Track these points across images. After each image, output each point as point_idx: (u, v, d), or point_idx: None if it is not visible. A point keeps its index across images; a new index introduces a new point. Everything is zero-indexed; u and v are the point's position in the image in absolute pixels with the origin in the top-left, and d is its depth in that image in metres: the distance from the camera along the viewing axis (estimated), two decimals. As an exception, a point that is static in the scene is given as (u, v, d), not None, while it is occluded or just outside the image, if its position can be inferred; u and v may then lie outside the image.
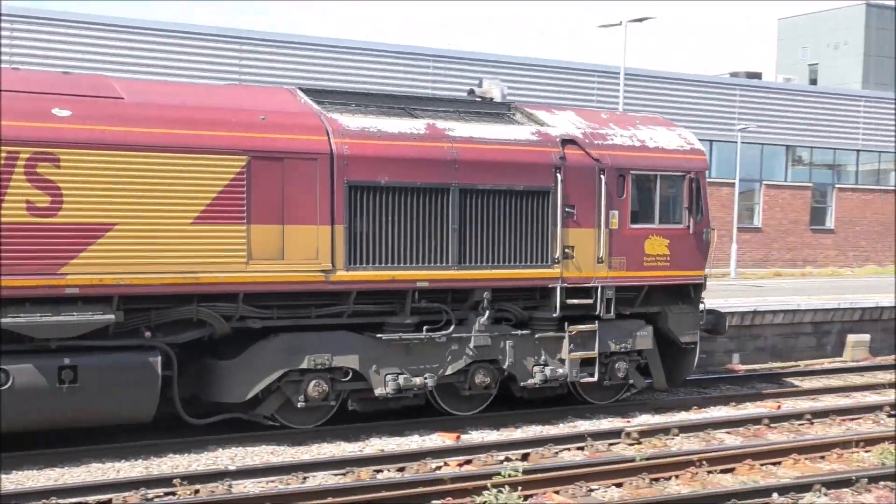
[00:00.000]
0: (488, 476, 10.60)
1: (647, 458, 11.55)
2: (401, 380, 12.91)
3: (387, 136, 12.78)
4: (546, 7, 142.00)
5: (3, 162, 10.57)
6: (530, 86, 34.94)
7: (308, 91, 13.42)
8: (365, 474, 11.16)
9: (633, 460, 11.48)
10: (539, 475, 10.70)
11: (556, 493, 10.45)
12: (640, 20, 33.44)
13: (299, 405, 12.54)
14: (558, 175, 13.72)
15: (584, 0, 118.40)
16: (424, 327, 13.12)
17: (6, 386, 10.71)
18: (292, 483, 10.78)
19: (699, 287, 15.27)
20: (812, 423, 14.47)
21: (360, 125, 12.71)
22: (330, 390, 12.70)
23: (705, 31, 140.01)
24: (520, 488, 10.22)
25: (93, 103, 11.38)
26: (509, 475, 10.57)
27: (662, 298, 15.03)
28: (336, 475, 11.16)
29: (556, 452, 12.47)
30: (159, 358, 11.56)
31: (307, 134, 12.28)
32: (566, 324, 14.02)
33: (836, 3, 57.78)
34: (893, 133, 42.50)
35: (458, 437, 13.05)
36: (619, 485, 10.87)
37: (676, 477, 11.21)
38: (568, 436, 13.06)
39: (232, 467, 11.22)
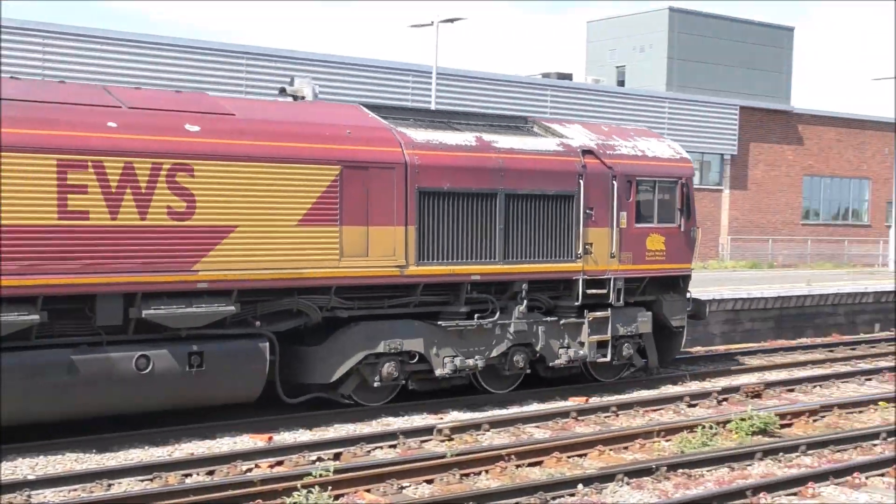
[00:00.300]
0: (299, 477, 10.57)
1: (458, 454, 11.75)
2: (457, 361, 14.89)
3: (447, 147, 14.82)
4: (359, 8, 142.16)
5: (149, 172, 12.10)
6: (344, 84, 34.97)
7: (371, 107, 15.39)
8: (173, 479, 10.94)
9: (443, 456, 11.66)
10: (350, 474, 10.74)
11: (368, 491, 10.52)
12: (452, 20, 33.92)
13: (375, 385, 14.34)
14: (580, 181, 15.95)
15: (398, 0, 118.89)
16: (476, 315, 15.06)
17: (147, 370, 12.20)
18: (96, 491, 10.47)
19: (687, 278, 17.80)
20: (617, 415, 15.04)
21: (424, 138, 14.71)
22: (400, 371, 14.47)
23: (518, 33, 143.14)
24: (330, 488, 10.23)
25: (214, 119, 12.99)
26: (320, 475, 10.56)
27: (657, 288, 17.35)
28: (143, 481, 10.90)
29: (369, 451, 12.54)
30: (267, 344, 13.24)
31: (386, 146, 14.15)
32: (585, 311, 16.16)
33: (642, 6, 60.14)
34: (697, 133, 44.56)
35: (269, 439, 12.96)
36: (430, 481, 11.02)
37: (486, 472, 11.45)
38: (381, 434, 13.16)
39: (31, 476, 10.82)
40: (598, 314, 16.32)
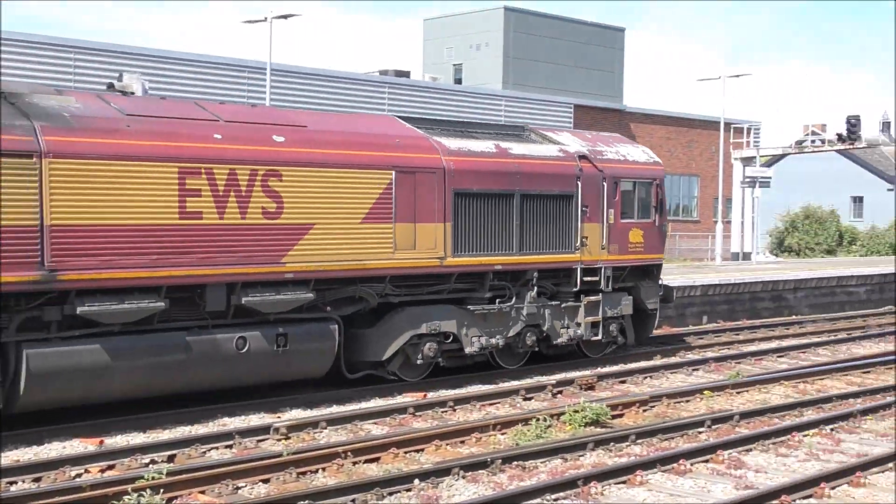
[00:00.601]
0: (131, 480, 10.35)
1: (295, 453, 11.70)
2: (483, 340, 17.33)
3: (474, 153, 17.21)
4: (193, 6, 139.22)
5: (248, 178, 14.10)
6: (177, 81, 34.28)
7: (405, 118, 17.82)
8: (-5, 488, 10.55)
9: (280, 455, 11.59)
10: (183, 476, 10.57)
11: (202, 492, 10.37)
12: (286, 17, 33.64)
13: (417, 362, 16.70)
14: (578, 183, 18.56)
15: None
16: (497, 300, 17.59)
17: (244, 349, 14.22)
18: (-90, 503, 10.00)
19: (660, 267, 20.73)
20: (455, 410, 15.22)
21: (456, 146, 17.09)
22: (437, 350, 16.77)
23: (357, 31, 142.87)
24: (162, 490, 10.05)
25: (292, 131, 15.09)
26: (153, 478, 10.36)
27: (636, 276, 20.03)
28: (-38, 491, 10.47)
29: (204, 452, 12.36)
30: (336, 327, 15.39)
31: (428, 153, 16.52)
32: (581, 296, 18.75)
33: (478, 5, 60.78)
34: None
35: (101, 442, 12.63)
36: (266, 480, 10.95)
37: (323, 469, 11.44)
38: (216, 434, 12.99)
39: None
40: (592, 298, 18.96)
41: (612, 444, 12.96)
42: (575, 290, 18.72)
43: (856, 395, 16.59)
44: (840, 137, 48.68)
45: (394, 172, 15.83)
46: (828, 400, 16.05)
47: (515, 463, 11.71)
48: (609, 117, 49.50)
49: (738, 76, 47.05)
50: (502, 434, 13.48)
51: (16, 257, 12.22)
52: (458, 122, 20.49)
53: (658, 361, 20.14)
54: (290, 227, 14.65)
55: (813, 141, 48.96)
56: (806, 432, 13.77)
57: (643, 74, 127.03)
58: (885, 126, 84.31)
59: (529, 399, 16.32)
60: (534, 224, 17.91)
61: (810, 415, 15.13)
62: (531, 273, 18.04)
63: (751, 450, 12.90)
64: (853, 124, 49.23)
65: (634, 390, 17.40)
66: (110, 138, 13.06)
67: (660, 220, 20.15)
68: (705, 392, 16.70)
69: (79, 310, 12.82)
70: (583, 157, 18.94)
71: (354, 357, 16.20)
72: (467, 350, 17.28)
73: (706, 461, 12.27)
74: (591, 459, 12.35)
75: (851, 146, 48.69)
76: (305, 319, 15.14)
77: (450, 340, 17.07)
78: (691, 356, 21.09)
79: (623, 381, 18.14)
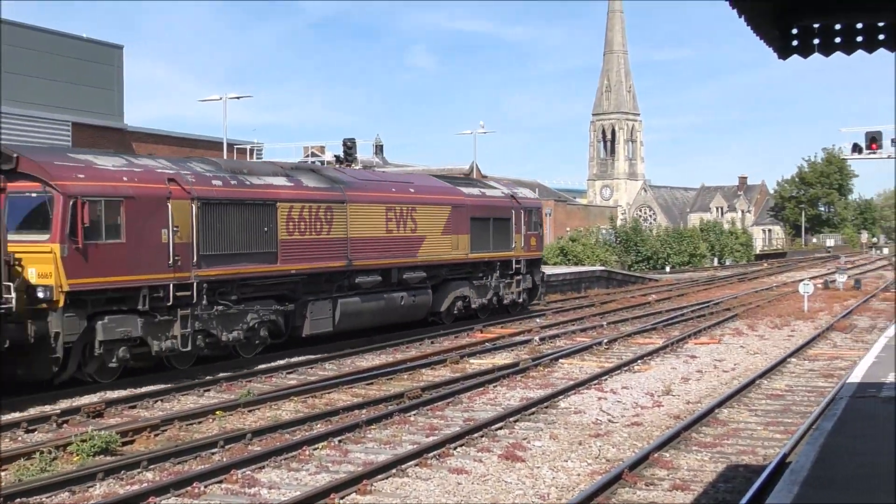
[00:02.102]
0: None
1: None
2: (482, 300, 31.07)
3: (474, 196, 31.03)
4: None
5: (406, 210, 27.21)
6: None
7: (439, 176, 32.96)
8: None
9: None
10: None
11: None
12: None
13: (454, 312, 30.42)
14: (513, 211, 32.47)
15: None
16: (481, 277, 31.48)
17: (402, 302, 27.37)
18: None
19: (541, 259, 36.00)
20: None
21: (467, 192, 30.83)
22: (462, 306, 30.60)
23: None
24: None
25: (412, 186, 28.62)
26: None
27: (530, 264, 33.89)
28: None
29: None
30: (430, 291, 28.78)
31: (460, 196, 30.09)
32: (514, 276, 32.74)
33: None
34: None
35: None
36: None
37: None
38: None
39: None
40: (518, 277, 33.07)
41: (123, 472, 12.60)
42: (510, 272, 32.66)
43: (361, 406, 17.47)
44: (338, 159, 51.15)
45: (450, 207, 29.45)
46: (335, 413, 16.75)
47: (19, 500, 10.98)
48: (109, 136, 48.10)
49: (238, 97, 47.84)
50: (3, 471, 12.58)
51: (337, 254, 24.77)
52: (466, 178, 37.93)
53: (169, 385, 19.86)
54: (418, 237, 27.95)
55: (313, 162, 50.91)
56: (316, 445, 14.28)
57: (149, 93, 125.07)
58: (379, 149, 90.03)
59: (32, 431, 15.40)
60: (496, 235, 31.68)
61: (319, 428, 15.72)
62: (496, 262, 31.82)
63: (264, 467, 13.13)
64: (349, 146, 51.90)
65: (145, 415, 17.03)
66: (362, 191, 26.10)
67: (539, 232, 34.60)
68: (217, 412, 16.74)
69: (356, 280, 25.50)
70: (512, 196, 33.29)
71: (431, 309, 29.36)
72: (474, 305, 31.10)
73: (220, 482, 12.31)
74: (102, 490, 11.92)
75: (348, 167, 51.34)
76: (417, 287, 28.20)
77: (466, 300, 30.75)
78: (207, 377, 20.99)
79: (133, 407, 17.69)
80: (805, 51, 6.78)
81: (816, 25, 6.76)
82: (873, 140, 49.07)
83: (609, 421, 16.43)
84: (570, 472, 13.14)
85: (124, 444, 14.34)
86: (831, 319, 32.08)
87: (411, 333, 28.03)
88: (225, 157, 47.88)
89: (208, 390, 19.66)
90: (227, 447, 14.19)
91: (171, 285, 20.04)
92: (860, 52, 6.80)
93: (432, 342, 27.39)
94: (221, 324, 21.59)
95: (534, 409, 17.10)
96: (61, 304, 18.06)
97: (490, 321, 31.16)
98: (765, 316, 34.24)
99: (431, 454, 13.72)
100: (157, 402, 18.25)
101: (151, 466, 12.92)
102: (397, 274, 26.99)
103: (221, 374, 21.23)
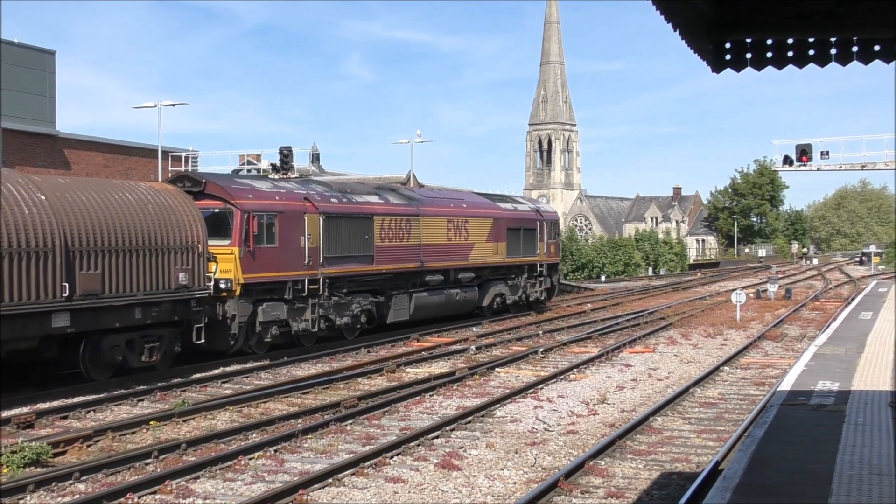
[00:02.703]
0: None
1: None
2: (515, 297, 37.85)
3: (508, 210, 37.64)
4: None
5: (460, 222, 33.86)
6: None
7: (480, 194, 39.21)
8: None
9: None
10: None
11: None
12: None
13: (494, 307, 36.78)
14: (538, 223, 39.02)
15: None
16: (514, 278, 38.08)
17: (458, 297, 33.98)
18: None
19: (558, 263, 43.09)
20: None
21: (503, 207, 37.74)
22: (501, 302, 37.30)
23: None
24: None
25: (464, 202, 35.67)
26: None
27: (550, 268, 40.42)
28: None
29: None
30: (477, 289, 35.55)
31: (497, 210, 36.62)
32: (538, 277, 39.42)
33: None
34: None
35: None
36: None
37: None
38: None
39: None
40: (541, 279, 39.41)
41: (54, 483, 12.41)
42: (535, 274, 39.29)
43: (297, 415, 17.40)
44: (274, 167, 50.85)
45: (492, 219, 35.73)
46: (271, 422, 16.67)
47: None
48: (41, 142, 47.36)
49: (174, 105, 47.39)
50: (-71, 485, 12.31)
51: (413, 258, 30.71)
52: (498, 194, 41.12)
53: (101, 395, 19.60)
54: (469, 244, 34.14)
55: (249, 170, 50.59)
56: (252, 455, 14.20)
57: (82, 100, 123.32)
58: (315, 158, 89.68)
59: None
60: (525, 243, 38.21)
61: (255, 438, 15.63)
62: (525, 266, 38.39)
63: (199, 477, 13.03)
64: (286, 155, 51.62)
65: (78, 425, 16.79)
66: (431, 206, 32.51)
67: (556, 240, 42.00)
68: (151, 422, 16.57)
69: (426, 278, 31.60)
70: (537, 210, 40.32)
71: (476, 304, 35.64)
72: (508, 301, 37.51)
73: (154, 493, 12.19)
74: (33, 501, 11.72)
75: (285, 176, 51.05)
76: (468, 285, 34.55)
77: (503, 297, 37.14)
78: (143, 387, 20.75)
79: (65, 417, 17.44)
80: (738, 65, 6.93)
81: (749, 40, 6.91)
82: (803, 152, 50.19)
83: (545, 429, 16.54)
84: (506, 480, 13.20)
85: (56, 455, 14.13)
86: (763, 328, 32.60)
87: (369, 339, 28.04)
88: (160, 164, 47.36)
89: (142, 400, 19.45)
90: (161, 457, 14.05)
91: (306, 280, 26.22)
92: (791, 67, 6.97)
93: (368, 351, 27.35)
94: (336, 311, 27.77)
95: (470, 418, 17.15)
96: (237, 293, 24.14)
97: (516, 314, 37.98)
98: (698, 325, 34.70)
99: (368, 463, 13.71)
100: (89, 412, 18.02)
101: (84, 478, 12.75)
102: (454, 274, 33.80)
103: (159, 384, 20.99)
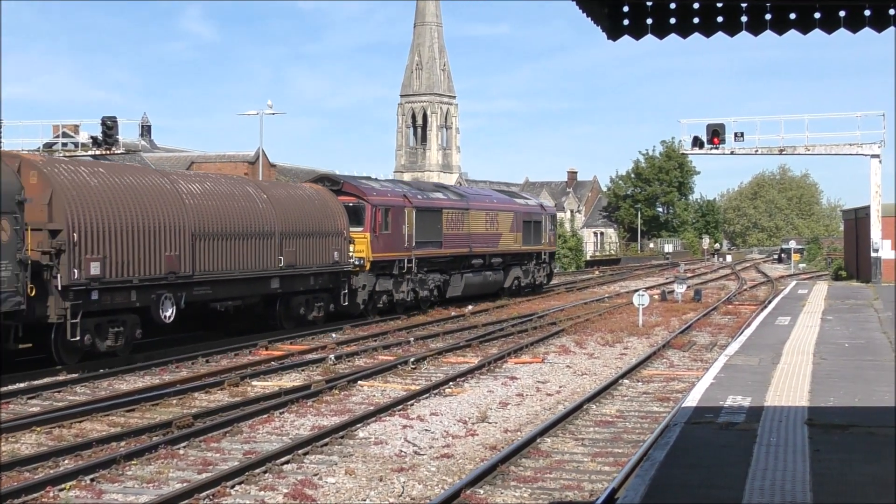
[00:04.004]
0: None
1: None
2: (529, 279, 54.46)
3: (520, 205, 54.32)
4: None
5: (491, 215, 49.70)
6: None
7: (499, 190, 60.32)
8: None
9: None
10: None
11: None
12: None
13: (513, 288, 52.64)
14: (542, 216, 56.32)
15: None
16: (525, 263, 54.34)
17: (491, 278, 50.08)
18: None
19: (555, 252, 64.91)
20: None
21: (518, 202, 55.37)
22: (519, 284, 53.82)
23: None
24: None
25: (494, 198, 53.22)
26: None
27: (551, 256, 58.62)
28: None
29: None
30: (502, 271, 51.27)
31: (517, 205, 53.95)
32: (542, 263, 56.55)
33: None
34: None
35: None
36: None
37: None
38: None
39: None
40: (544, 264, 56.23)
41: None
42: (540, 261, 54.91)
43: (119, 437, 17.14)
44: (95, 141, 49.93)
45: (512, 213, 51.43)
46: (87, 445, 16.39)
47: None
48: None
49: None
50: None
51: (464, 244, 45.98)
52: (514, 193, 60.61)
53: None
54: (499, 234, 49.65)
55: (65, 144, 49.62)
56: (63, 486, 13.96)
57: None
58: (146, 130, 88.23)
59: None
60: (534, 233, 53.67)
61: (68, 464, 15.36)
62: (533, 253, 53.82)
63: (-3, 512, 12.72)
64: (109, 127, 50.67)
65: None
66: (475, 202, 48.82)
67: (556, 231, 61.27)
68: (-61, 447, 16.12)
69: (472, 262, 47.02)
70: (541, 205, 57.19)
71: (498, 286, 50.02)
72: (522, 284, 52.34)
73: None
74: None
75: (108, 151, 50.13)
76: (497, 269, 49.58)
77: (518, 280, 52.12)
78: (-81, 404, 20.17)
79: None
80: (637, 31, 7.08)
81: (649, 3, 7.05)
82: (715, 133, 51.19)
83: (415, 453, 16.65)
84: (368, 512, 13.24)
85: None
86: (668, 335, 33.38)
87: (206, 347, 27.74)
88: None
89: (-73, 420, 18.94)
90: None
91: (405, 260, 40.19)
92: (697, 35, 7.15)
93: (207, 361, 27.10)
94: (420, 285, 41.91)
95: (327, 440, 17.16)
96: (368, 268, 37.91)
97: (523, 298, 51.38)
98: (595, 331, 35.35)
99: (204, 494, 13.61)
100: None
101: None
102: (489, 259, 48.67)
103: (-56, 401, 20.43)
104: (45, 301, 24.02)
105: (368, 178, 43.91)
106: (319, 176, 41.52)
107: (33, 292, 23.34)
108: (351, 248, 36.98)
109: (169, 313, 27.48)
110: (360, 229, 37.70)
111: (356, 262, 37.25)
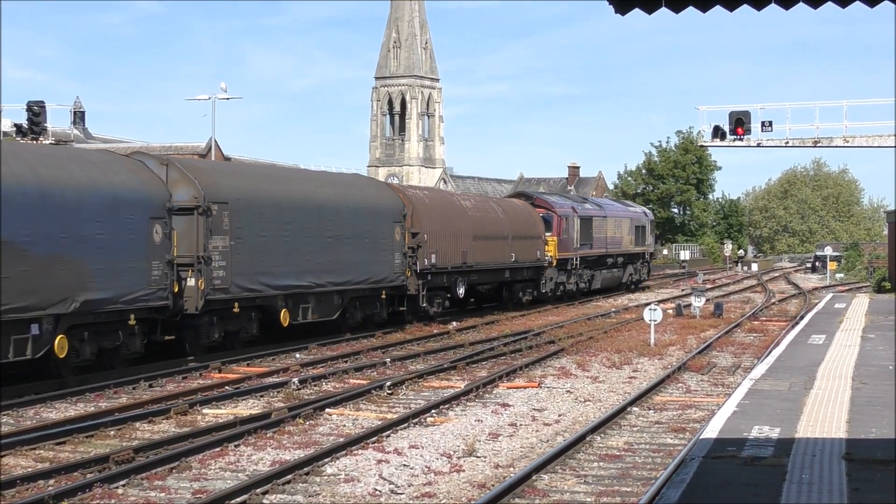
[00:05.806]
0: None
1: None
2: (636, 276, 75.50)
3: (632, 213, 76.02)
4: None
5: (614, 223, 70.64)
6: None
7: (613, 200, 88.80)
8: None
9: None
10: None
11: None
12: None
13: (629, 284, 74.74)
14: (646, 221, 77.43)
15: None
16: (636, 263, 75.84)
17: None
18: None
19: (654, 252, 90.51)
20: None
21: (633, 210, 77.97)
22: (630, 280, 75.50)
23: None
24: None
25: (613, 207, 73.67)
26: None
27: (651, 256, 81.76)
28: None
29: None
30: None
31: (632, 214, 75.58)
32: (643, 262, 78.09)
33: None
34: None
35: None
36: None
37: None
38: None
39: None
40: (645, 263, 77.45)
41: None
42: (641, 260, 75.62)
43: (47, 474, 17.08)
44: (20, 129, 49.80)
45: (629, 219, 72.08)
46: (11, 484, 16.34)
47: None
48: None
49: None
50: None
51: (602, 245, 66.46)
52: (626, 202, 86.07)
53: None
54: (621, 237, 70.17)
55: (-16, 133, 49.32)
56: (-18, 530, 13.89)
57: None
58: (79, 117, 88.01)
59: None
60: (640, 236, 74.21)
61: (-13, 506, 15.29)
62: (638, 254, 74.15)
63: None
64: (36, 113, 50.54)
65: None
66: (609, 211, 69.62)
67: (654, 234, 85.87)
68: None
69: (607, 261, 68.52)
70: (644, 212, 79.58)
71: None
72: (633, 279, 73.51)
73: None
74: None
75: (35, 141, 50.02)
76: (619, 267, 70.60)
77: (631, 276, 73.27)
78: None
79: None
80: (649, 4, 7.05)
81: (664, -28, 7.02)
82: (739, 122, 50.25)
83: (392, 492, 16.66)
84: (337, 561, 13.25)
85: None
86: (684, 356, 33.40)
87: (151, 368, 27.68)
88: None
89: None
90: None
91: (573, 258, 61.02)
92: (718, 9, 7.15)
93: (150, 385, 27.05)
94: (578, 278, 62.21)
95: (290, 477, 17.14)
96: (554, 264, 58.30)
97: (626, 292, 69.38)
98: (599, 351, 35.34)
99: (147, 540, 13.57)
100: None
101: None
102: (616, 258, 67.51)
103: None
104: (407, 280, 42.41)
105: (550, 193, 68.86)
106: (517, 192, 72.70)
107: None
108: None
109: (461, 291, 47.93)
110: (549, 234, 57.85)
111: (548, 260, 57.08)
